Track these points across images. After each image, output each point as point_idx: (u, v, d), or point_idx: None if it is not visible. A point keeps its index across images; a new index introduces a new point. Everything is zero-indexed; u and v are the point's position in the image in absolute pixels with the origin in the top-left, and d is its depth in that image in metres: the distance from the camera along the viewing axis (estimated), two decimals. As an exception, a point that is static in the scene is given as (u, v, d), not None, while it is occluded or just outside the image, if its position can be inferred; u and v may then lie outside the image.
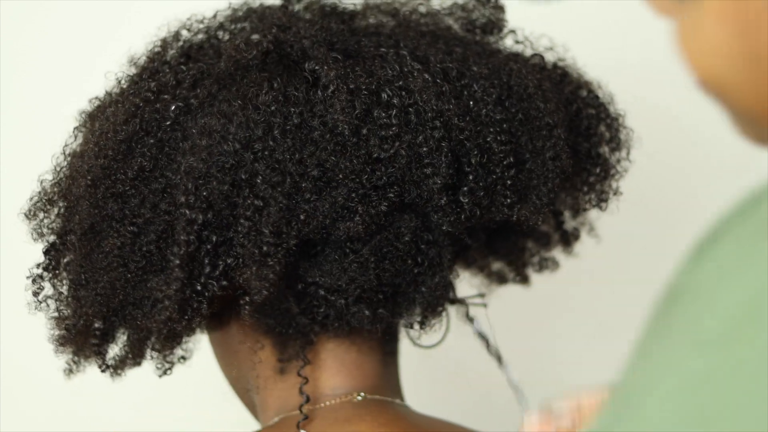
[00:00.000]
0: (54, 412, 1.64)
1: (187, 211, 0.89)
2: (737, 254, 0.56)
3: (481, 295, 1.19)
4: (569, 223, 1.17)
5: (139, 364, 1.03)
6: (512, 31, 1.10)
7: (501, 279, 1.21)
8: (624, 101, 1.09)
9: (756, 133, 0.63)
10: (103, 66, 0.99)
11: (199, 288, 0.92)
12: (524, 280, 1.21)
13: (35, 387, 1.63)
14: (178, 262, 0.90)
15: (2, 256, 1.58)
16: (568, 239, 1.18)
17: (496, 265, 1.20)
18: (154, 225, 0.91)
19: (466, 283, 1.20)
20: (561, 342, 1.65)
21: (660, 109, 1.57)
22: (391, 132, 0.90)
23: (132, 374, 1.04)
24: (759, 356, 0.53)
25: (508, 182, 0.93)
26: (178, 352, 1.10)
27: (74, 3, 1.63)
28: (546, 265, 1.19)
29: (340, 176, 0.90)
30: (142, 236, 0.92)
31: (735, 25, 0.59)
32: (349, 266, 0.94)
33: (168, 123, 0.93)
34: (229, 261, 0.91)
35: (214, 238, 0.90)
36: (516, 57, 1.04)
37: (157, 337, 0.98)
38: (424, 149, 0.91)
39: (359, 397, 1.00)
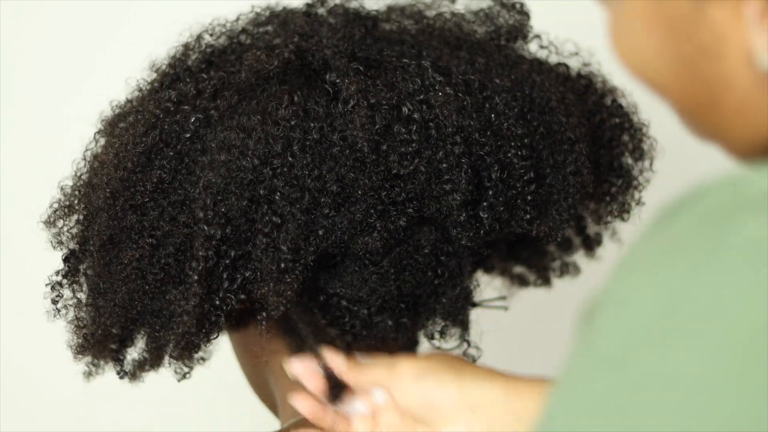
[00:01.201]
0: (54, 412, 1.64)
1: (206, 227, 0.89)
2: (646, 268, 0.56)
3: (502, 298, 1.19)
4: (591, 228, 1.16)
5: (156, 369, 1.04)
6: (537, 36, 1.09)
7: (522, 282, 1.21)
8: (645, 107, 1.07)
9: (692, 128, 0.63)
10: (103, 66, 0.99)
11: (217, 303, 0.91)
12: (546, 282, 1.21)
13: (35, 387, 1.64)
14: (196, 277, 0.89)
15: (2, 257, 1.58)
16: (590, 244, 1.17)
17: (518, 269, 1.20)
18: (172, 237, 0.91)
19: (486, 285, 1.20)
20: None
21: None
22: (411, 148, 0.89)
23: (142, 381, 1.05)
24: (655, 375, 0.53)
25: (528, 197, 0.93)
26: (197, 355, 1.11)
27: (74, 3, 1.62)
28: (567, 270, 1.18)
29: (359, 192, 0.89)
30: (160, 249, 0.92)
31: (659, 27, 0.60)
32: (369, 277, 0.94)
33: (188, 135, 0.92)
34: (247, 275, 0.91)
35: (232, 254, 0.90)
36: (540, 66, 1.03)
37: (175, 347, 0.98)
38: (444, 165, 0.90)
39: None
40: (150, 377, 1.12)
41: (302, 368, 0.95)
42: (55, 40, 1.62)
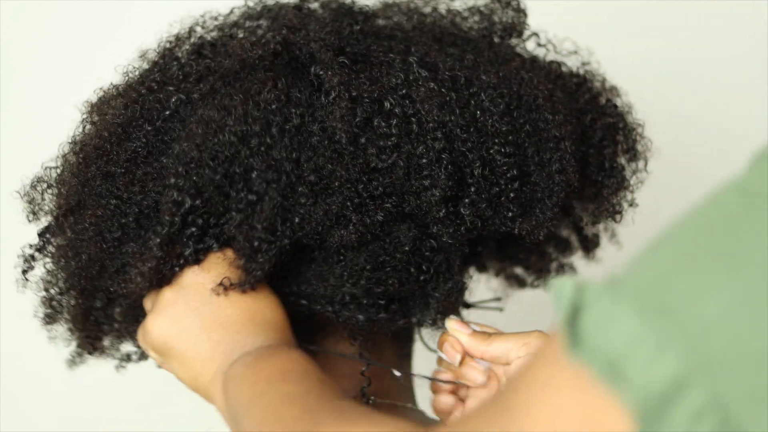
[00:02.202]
0: (54, 412, 1.65)
1: (175, 193, 0.89)
2: None
3: (498, 299, 1.18)
4: (589, 230, 1.15)
5: (145, 357, 1.04)
6: (535, 34, 1.08)
7: (520, 283, 1.20)
8: (643, 107, 1.06)
9: None
10: (103, 65, 0.99)
11: (176, 270, 0.92)
12: (545, 283, 1.20)
13: (35, 387, 1.65)
14: (158, 240, 0.90)
15: (2, 258, 1.59)
16: (588, 245, 1.16)
17: (515, 270, 1.19)
18: (137, 199, 0.92)
19: (482, 286, 1.19)
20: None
21: (682, 117, 1.54)
22: (389, 142, 0.89)
23: (133, 373, 1.05)
24: None
25: (512, 195, 0.91)
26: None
27: (74, 3, 1.63)
28: (563, 271, 1.17)
29: (336, 184, 0.89)
30: (122, 208, 0.92)
31: None
32: (331, 275, 0.93)
33: (167, 113, 0.93)
34: (212, 244, 0.91)
35: (200, 222, 0.90)
36: (532, 64, 1.02)
37: (121, 306, 0.98)
38: (424, 160, 0.89)
39: (370, 401, 0.99)
40: (150, 377, 1.12)
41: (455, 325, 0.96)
42: (55, 40, 1.63)
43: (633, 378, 0.52)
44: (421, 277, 0.95)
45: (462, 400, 0.97)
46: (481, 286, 1.18)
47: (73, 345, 1.03)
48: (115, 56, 1.02)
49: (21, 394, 1.65)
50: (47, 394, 1.64)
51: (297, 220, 0.89)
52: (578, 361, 0.54)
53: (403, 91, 0.90)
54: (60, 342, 1.02)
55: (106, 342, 1.03)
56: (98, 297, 1.00)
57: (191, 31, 1.02)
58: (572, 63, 1.07)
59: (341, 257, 0.93)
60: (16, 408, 1.65)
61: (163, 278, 0.92)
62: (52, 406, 1.65)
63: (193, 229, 0.90)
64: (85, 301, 0.98)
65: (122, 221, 0.92)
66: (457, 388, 0.97)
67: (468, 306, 1.12)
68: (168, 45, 1.00)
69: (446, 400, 0.97)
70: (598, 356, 0.53)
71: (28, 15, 1.62)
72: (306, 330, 0.99)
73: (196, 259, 0.92)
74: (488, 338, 0.95)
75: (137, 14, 1.59)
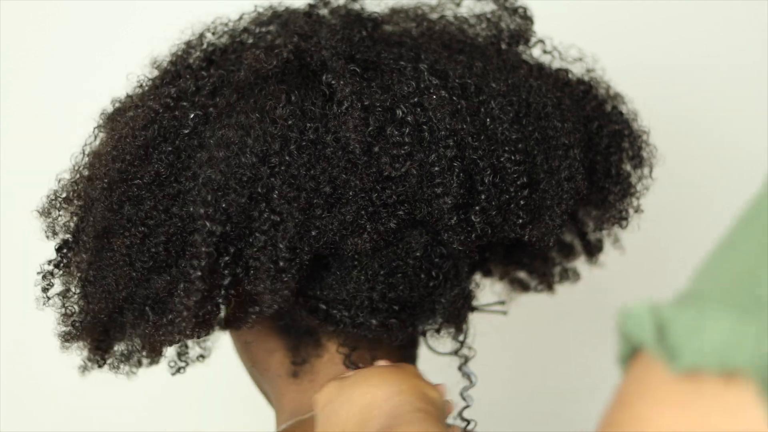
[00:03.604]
0: (54, 412, 1.65)
1: (208, 223, 0.89)
2: None
3: (501, 303, 1.19)
4: (593, 235, 1.16)
5: (148, 362, 1.05)
6: (541, 41, 1.09)
7: (523, 287, 1.21)
8: (648, 114, 1.07)
9: None
10: (106, 67, 0.99)
11: (219, 300, 0.92)
12: (549, 288, 1.21)
13: (35, 387, 1.65)
14: (199, 273, 0.89)
15: (4, 257, 1.59)
16: (591, 250, 1.17)
17: (519, 274, 1.20)
18: (164, 227, 0.92)
19: (487, 290, 1.20)
20: (587, 351, 1.64)
21: (688, 120, 1.55)
22: (402, 151, 0.89)
23: (136, 375, 1.05)
24: None
25: (521, 202, 0.92)
26: (196, 350, 1.12)
27: (77, 3, 1.62)
28: (567, 275, 1.18)
29: (350, 193, 0.89)
30: (151, 237, 0.92)
31: None
32: (351, 280, 0.94)
33: (186, 131, 0.92)
34: (238, 271, 0.91)
35: (232, 250, 0.90)
36: (540, 71, 1.03)
37: (159, 341, 0.98)
38: (436, 168, 0.90)
39: None
40: (150, 378, 1.12)
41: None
42: (59, 40, 1.63)
43: (748, 359, 0.53)
44: (431, 283, 0.96)
45: None
46: (484, 289, 1.19)
47: (86, 353, 1.03)
48: (119, 57, 1.02)
49: (22, 393, 1.65)
50: (47, 394, 1.64)
51: (314, 233, 0.90)
52: (685, 368, 0.55)
53: (415, 100, 0.91)
54: (66, 345, 1.02)
55: (119, 348, 1.03)
56: (126, 327, 0.99)
57: (202, 37, 1.02)
58: (577, 70, 1.08)
59: (356, 263, 0.94)
60: (17, 408, 1.65)
61: (206, 313, 0.92)
62: (53, 405, 1.65)
63: (227, 257, 0.90)
64: (103, 317, 0.97)
65: (152, 251, 0.92)
66: None
67: (472, 309, 1.12)
68: (179, 52, 1.00)
69: None
70: (707, 355, 0.54)
71: (31, 16, 1.62)
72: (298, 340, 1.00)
73: (236, 287, 0.92)
74: None
75: (141, 15, 1.58)
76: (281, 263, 0.89)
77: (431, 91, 0.91)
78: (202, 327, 0.94)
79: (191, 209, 0.90)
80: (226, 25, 1.03)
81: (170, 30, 1.02)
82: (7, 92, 1.61)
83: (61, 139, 1.01)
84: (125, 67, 1.01)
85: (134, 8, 1.61)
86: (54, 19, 1.62)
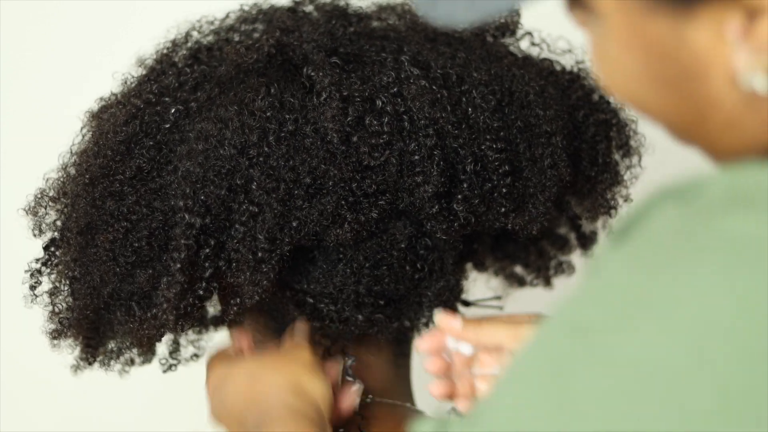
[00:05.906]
0: (54, 412, 1.66)
1: (187, 216, 0.89)
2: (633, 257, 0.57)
3: (498, 298, 1.19)
4: (587, 227, 1.15)
5: (149, 360, 1.05)
6: (529, 33, 1.09)
7: (520, 282, 1.20)
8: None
9: (678, 139, 0.63)
10: (106, 67, 1.00)
11: (201, 293, 0.92)
12: (546, 282, 1.20)
13: (35, 387, 1.65)
14: (179, 265, 0.90)
15: (2, 256, 1.59)
16: (586, 242, 1.16)
17: (515, 268, 1.19)
18: (146, 222, 0.92)
19: (482, 285, 1.19)
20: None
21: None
22: (381, 140, 0.90)
23: (133, 375, 1.06)
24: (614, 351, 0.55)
25: (504, 190, 0.92)
26: (189, 349, 1.12)
27: (77, 3, 1.63)
28: (562, 269, 1.18)
29: (330, 184, 0.90)
30: (134, 232, 0.93)
31: (638, 51, 0.60)
32: (337, 274, 0.94)
33: (167, 126, 0.93)
34: (220, 264, 0.92)
35: (212, 242, 0.91)
36: (524, 61, 1.03)
37: (143, 336, 0.98)
38: (416, 157, 0.90)
39: (368, 400, 0.99)
40: (150, 378, 1.13)
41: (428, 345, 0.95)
42: (59, 40, 1.64)
43: None
44: (416, 276, 0.96)
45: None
46: (481, 285, 1.19)
47: (77, 351, 1.04)
48: (119, 57, 1.03)
49: (21, 393, 1.66)
50: (47, 394, 1.64)
51: (295, 224, 0.90)
52: None
53: (395, 89, 0.91)
54: (61, 344, 1.02)
55: (110, 346, 1.04)
56: (114, 323, 0.99)
57: (188, 35, 1.03)
58: (566, 62, 1.08)
59: (340, 255, 0.94)
60: (17, 408, 1.65)
61: (188, 305, 0.92)
62: (53, 405, 1.66)
63: (207, 250, 0.90)
64: (90, 314, 0.98)
65: (135, 246, 0.92)
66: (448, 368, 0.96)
67: (467, 304, 1.12)
68: (165, 51, 1.01)
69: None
70: None
71: (31, 16, 1.63)
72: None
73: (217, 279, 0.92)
74: (480, 324, 0.95)
75: (141, 15, 1.59)
76: (260, 254, 0.89)
77: (411, 81, 0.92)
78: (186, 320, 0.94)
79: (172, 203, 0.91)
80: (212, 23, 1.04)
81: (170, 30, 1.03)
82: (7, 92, 1.62)
83: (61, 139, 1.02)
84: (125, 67, 1.02)
85: (134, 8, 1.62)
86: (54, 19, 1.63)
